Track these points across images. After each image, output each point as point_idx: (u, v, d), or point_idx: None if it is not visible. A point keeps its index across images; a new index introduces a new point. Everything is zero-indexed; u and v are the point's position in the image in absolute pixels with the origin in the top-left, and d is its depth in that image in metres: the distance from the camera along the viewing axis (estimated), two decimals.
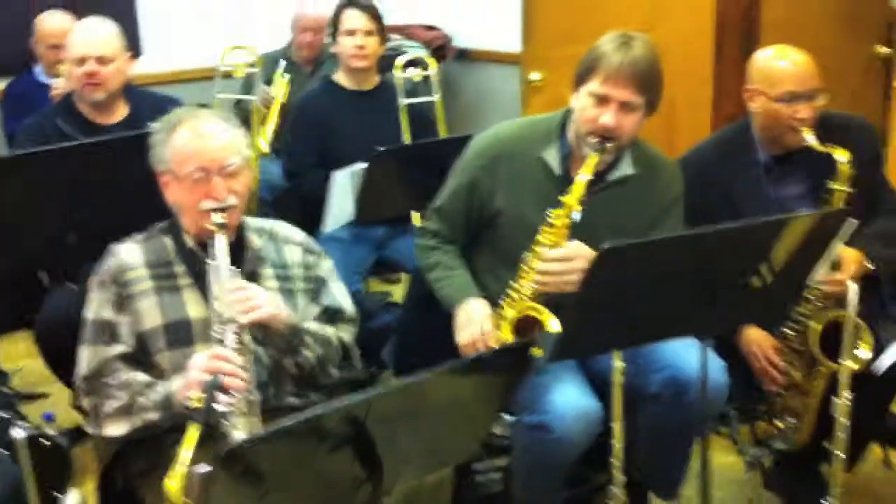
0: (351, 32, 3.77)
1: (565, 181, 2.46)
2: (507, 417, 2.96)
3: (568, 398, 2.38)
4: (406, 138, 3.80)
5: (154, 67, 4.73)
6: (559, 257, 2.37)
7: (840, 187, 2.63)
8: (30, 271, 3.37)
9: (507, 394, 1.89)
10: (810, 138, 2.66)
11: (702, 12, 4.45)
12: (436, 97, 4.17)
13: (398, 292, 4.41)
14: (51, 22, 4.38)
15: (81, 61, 3.18)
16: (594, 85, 2.39)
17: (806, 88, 2.70)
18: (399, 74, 4.01)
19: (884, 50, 4.56)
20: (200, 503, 1.47)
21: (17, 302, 3.99)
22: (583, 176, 2.38)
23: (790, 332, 2.72)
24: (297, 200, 3.81)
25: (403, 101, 3.87)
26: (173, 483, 1.71)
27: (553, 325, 2.28)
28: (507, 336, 2.40)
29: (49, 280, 3.05)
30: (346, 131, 3.72)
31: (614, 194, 2.51)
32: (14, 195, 2.58)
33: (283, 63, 4.57)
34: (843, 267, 2.61)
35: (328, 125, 3.74)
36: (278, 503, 1.59)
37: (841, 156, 2.62)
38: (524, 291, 2.42)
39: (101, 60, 3.18)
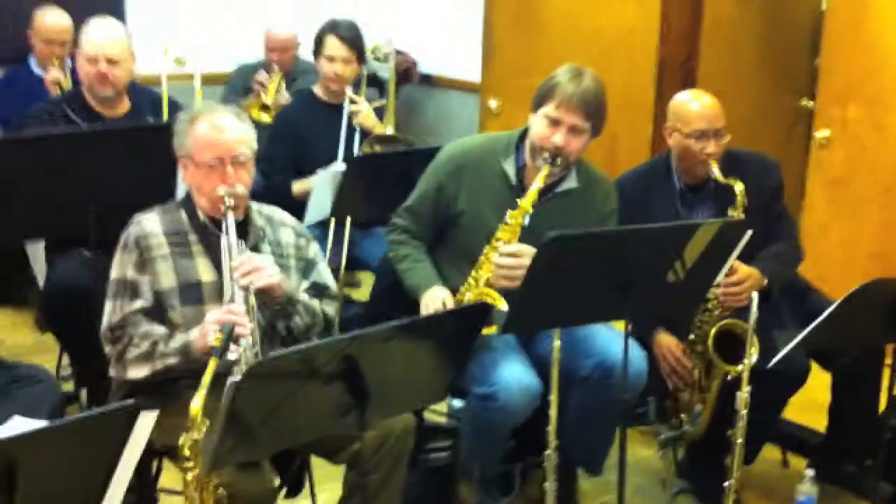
0: (331, 59, 4.07)
1: (520, 189, 2.84)
2: (455, 403, 3.33)
3: (513, 373, 2.74)
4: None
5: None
6: (510, 252, 2.72)
7: (736, 214, 3.01)
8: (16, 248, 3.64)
9: (466, 347, 2.24)
10: (715, 171, 3.03)
11: (646, 58, 4.76)
12: (384, 101, 4.50)
13: (357, 294, 4.72)
14: (48, 18, 4.57)
15: (94, 60, 3.43)
16: (549, 109, 2.76)
17: (713, 127, 3.04)
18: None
19: (808, 103, 4.79)
20: (229, 410, 1.81)
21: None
22: (536, 184, 2.76)
23: (693, 337, 3.10)
24: (269, 202, 4.13)
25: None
26: (195, 405, 2.02)
27: (503, 306, 2.66)
28: None
29: (56, 248, 3.33)
30: (318, 139, 4.04)
31: (560, 204, 2.88)
32: (32, 168, 2.87)
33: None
34: (742, 280, 3.00)
35: (303, 134, 4.06)
36: (283, 418, 1.94)
37: (738, 186, 3.00)
38: (481, 279, 2.78)
39: (112, 61, 3.44)
